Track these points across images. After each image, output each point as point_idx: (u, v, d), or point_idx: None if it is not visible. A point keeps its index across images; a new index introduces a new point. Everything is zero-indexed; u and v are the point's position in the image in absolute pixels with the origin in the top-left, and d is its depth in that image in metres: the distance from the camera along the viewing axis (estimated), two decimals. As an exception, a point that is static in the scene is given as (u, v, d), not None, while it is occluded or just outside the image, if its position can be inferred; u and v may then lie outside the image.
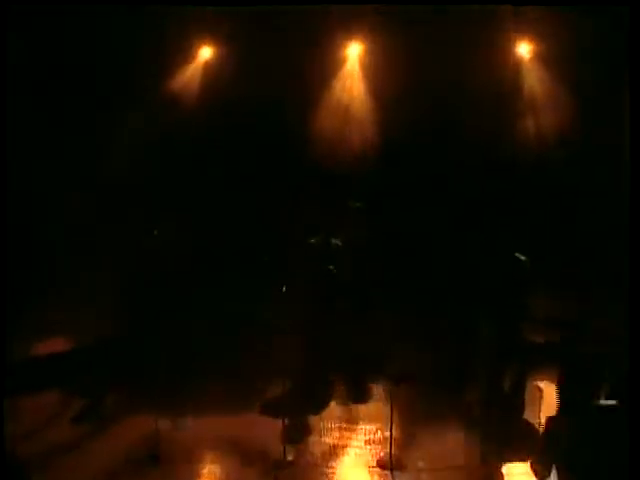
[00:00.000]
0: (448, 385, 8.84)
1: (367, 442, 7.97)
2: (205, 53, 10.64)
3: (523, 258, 8.39)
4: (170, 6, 9.89)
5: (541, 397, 8.01)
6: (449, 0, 9.31)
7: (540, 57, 10.12)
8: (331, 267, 9.11)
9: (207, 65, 10.64)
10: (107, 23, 9.84)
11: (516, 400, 8.32)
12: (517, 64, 10.25)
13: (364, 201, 9.96)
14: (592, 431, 4.61)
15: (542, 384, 8.15)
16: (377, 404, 8.68)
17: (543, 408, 7.69)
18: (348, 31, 10.30)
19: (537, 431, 7.42)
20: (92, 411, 8.60)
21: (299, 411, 8.31)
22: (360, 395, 8.93)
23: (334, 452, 7.78)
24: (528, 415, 8.15)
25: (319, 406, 8.61)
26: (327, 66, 10.48)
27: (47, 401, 8.58)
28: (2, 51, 8.22)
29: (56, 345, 9.41)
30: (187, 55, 10.58)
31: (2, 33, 7.96)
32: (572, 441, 4.62)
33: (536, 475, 5.00)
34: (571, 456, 4.60)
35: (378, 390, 8.91)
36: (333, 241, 9.28)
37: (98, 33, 9.89)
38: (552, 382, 6.50)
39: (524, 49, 10.18)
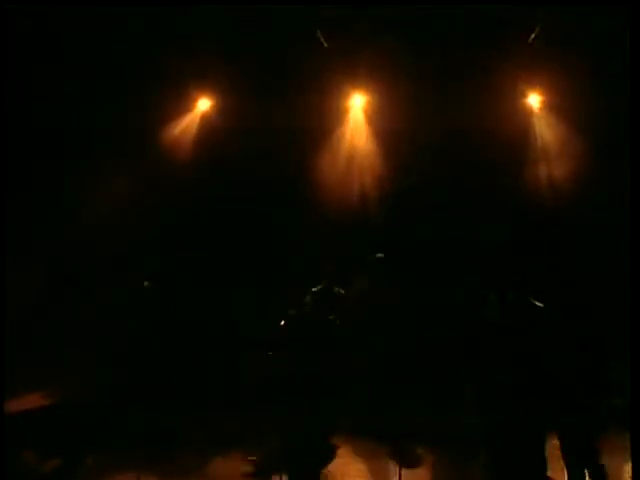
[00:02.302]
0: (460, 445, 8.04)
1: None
2: (203, 105, 10.45)
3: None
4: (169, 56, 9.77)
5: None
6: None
7: (549, 106, 9.97)
8: (332, 317, 8.56)
9: (204, 116, 10.44)
10: (107, 70, 9.76)
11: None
12: (525, 112, 10.07)
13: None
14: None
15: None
16: (382, 462, 7.88)
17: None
18: (350, 81, 10.12)
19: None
20: (69, 473, 7.77)
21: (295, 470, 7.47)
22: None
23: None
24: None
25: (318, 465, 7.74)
26: (330, 117, 10.28)
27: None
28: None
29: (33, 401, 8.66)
30: (185, 106, 10.39)
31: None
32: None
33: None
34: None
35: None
36: (336, 289, 8.76)
37: (97, 77, 9.79)
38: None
39: (533, 99, 10.02)
